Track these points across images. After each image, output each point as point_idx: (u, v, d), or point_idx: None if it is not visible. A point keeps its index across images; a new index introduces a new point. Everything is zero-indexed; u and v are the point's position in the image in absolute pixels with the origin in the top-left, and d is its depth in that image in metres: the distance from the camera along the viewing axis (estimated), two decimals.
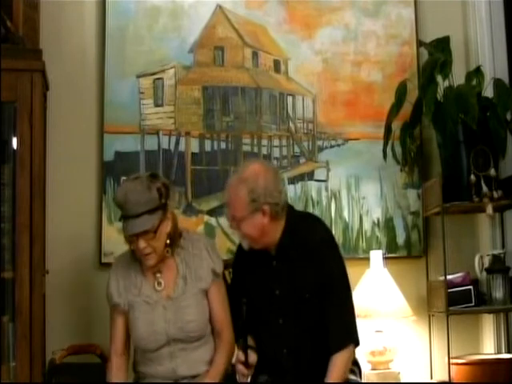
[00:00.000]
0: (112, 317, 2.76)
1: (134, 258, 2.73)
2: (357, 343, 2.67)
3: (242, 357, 2.57)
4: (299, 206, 3.36)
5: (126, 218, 2.61)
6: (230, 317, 2.76)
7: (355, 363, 2.79)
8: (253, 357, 2.60)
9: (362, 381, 2.85)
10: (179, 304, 2.68)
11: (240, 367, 2.58)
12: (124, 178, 3.32)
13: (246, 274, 2.78)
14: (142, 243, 2.60)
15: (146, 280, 2.72)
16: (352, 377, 2.72)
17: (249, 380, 2.63)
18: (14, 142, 2.79)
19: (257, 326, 2.66)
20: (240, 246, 2.90)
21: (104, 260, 3.28)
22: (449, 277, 3.16)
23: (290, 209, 2.78)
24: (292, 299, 2.66)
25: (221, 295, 2.77)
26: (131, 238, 2.63)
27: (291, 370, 2.66)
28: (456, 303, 3.14)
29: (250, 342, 2.64)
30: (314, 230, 2.74)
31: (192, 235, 2.83)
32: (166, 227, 2.66)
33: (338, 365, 2.58)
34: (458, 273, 3.24)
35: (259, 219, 2.63)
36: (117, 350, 2.73)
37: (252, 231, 2.65)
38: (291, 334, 2.67)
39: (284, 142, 3.50)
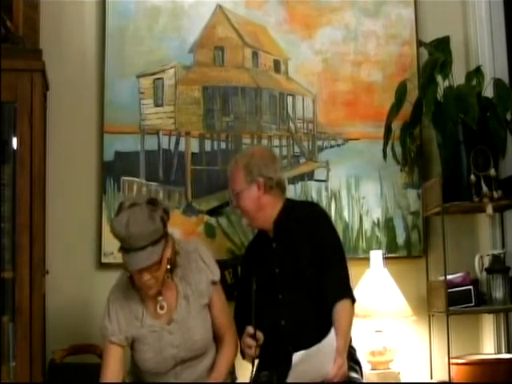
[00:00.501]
0: (107, 351, 2.60)
1: (131, 285, 2.62)
2: (353, 300, 2.76)
3: (251, 330, 2.64)
4: None
5: (127, 250, 2.45)
6: (231, 319, 2.79)
7: (356, 362, 2.82)
8: (260, 334, 2.67)
9: (363, 380, 2.85)
10: (185, 325, 2.62)
11: (248, 339, 2.65)
12: (124, 178, 3.34)
13: (251, 264, 2.89)
14: (146, 276, 2.49)
15: (146, 308, 2.63)
16: (353, 375, 2.73)
17: (256, 353, 2.66)
18: (14, 142, 2.79)
19: (258, 304, 2.68)
20: (250, 244, 3.05)
21: (104, 260, 3.28)
22: (449, 277, 3.16)
23: (288, 198, 2.97)
24: (290, 274, 2.78)
25: (221, 301, 2.75)
26: (134, 271, 2.49)
27: (290, 340, 2.71)
28: (456, 303, 3.14)
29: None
30: (309, 209, 2.94)
31: (185, 246, 2.71)
32: (167, 253, 2.55)
33: (341, 310, 2.69)
34: (457, 273, 3.23)
35: (255, 191, 2.83)
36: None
37: (249, 204, 2.83)
38: (289, 306, 2.77)
39: (284, 142, 3.50)
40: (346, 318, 2.69)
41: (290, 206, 2.90)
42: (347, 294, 2.75)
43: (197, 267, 2.67)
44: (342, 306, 2.70)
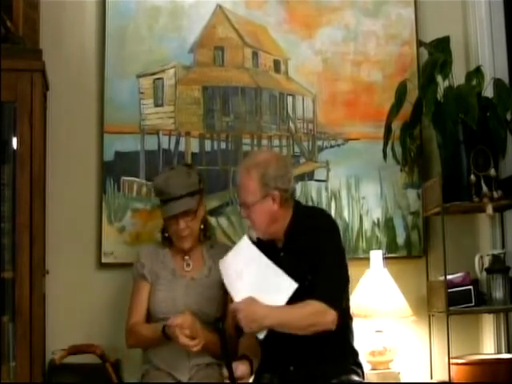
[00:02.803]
0: (136, 289, 2.92)
1: (162, 246, 2.97)
2: (335, 308, 2.55)
3: (225, 373, 2.57)
4: None
5: (166, 201, 2.84)
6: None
7: (358, 365, 2.78)
8: (241, 368, 2.59)
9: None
10: (201, 284, 2.88)
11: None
12: (124, 178, 3.34)
13: None
14: (182, 223, 2.84)
15: (172, 260, 2.93)
16: (355, 377, 2.71)
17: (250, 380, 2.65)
18: (14, 142, 2.79)
19: None
20: None
21: (104, 260, 3.28)
22: (449, 277, 3.16)
23: (296, 202, 2.83)
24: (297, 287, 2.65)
25: None
26: (171, 221, 2.86)
27: (291, 359, 2.66)
28: (456, 303, 3.13)
29: (246, 345, 2.70)
30: (317, 217, 2.78)
31: (220, 242, 3.13)
32: (202, 211, 2.93)
33: (303, 305, 2.53)
34: (457, 273, 3.23)
35: (269, 205, 2.68)
36: (138, 323, 2.85)
37: (261, 218, 2.69)
38: None
39: (284, 142, 3.50)
40: (299, 310, 2.53)
41: (301, 214, 2.76)
42: (327, 299, 2.54)
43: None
44: (309, 305, 2.53)
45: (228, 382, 2.55)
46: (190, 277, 2.90)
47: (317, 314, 2.55)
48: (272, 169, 2.68)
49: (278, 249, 2.75)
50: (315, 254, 2.64)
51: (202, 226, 2.94)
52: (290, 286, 2.58)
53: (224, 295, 2.83)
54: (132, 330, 2.83)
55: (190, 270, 2.91)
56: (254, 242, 2.76)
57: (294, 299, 2.62)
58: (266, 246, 2.77)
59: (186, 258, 2.93)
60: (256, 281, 2.62)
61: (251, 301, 2.57)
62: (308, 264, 2.64)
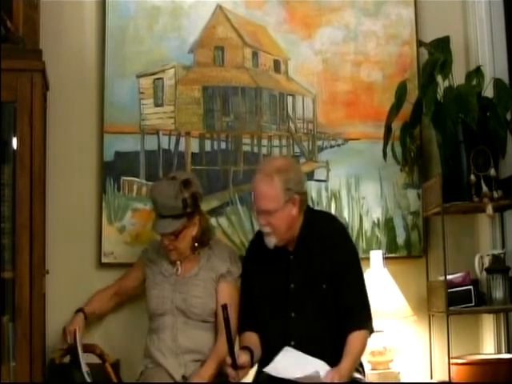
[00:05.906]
0: (133, 268, 3.11)
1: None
2: (371, 331, 2.74)
3: (228, 360, 2.59)
4: None
5: (156, 214, 2.89)
6: (238, 314, 2.84)
7: (360, 363, 2.80)
8: (243, 358, 2.61)
9: (365, 380, 2.85)
10: (189, 282, 2.92)
11: (229, 370, 2.60)
12: (124, 178, 3.34)
13: (258, 270, 2.83)
14: (165, 241, 2.89)
15: (168, 262, 2.97)
16: (357, 375, 2.72)
17: (240, 379, 2.64)
18: (14, 142, 2.79)
19: (266, 320, 2.71)
20: (252, 242, 2.98)
21: (104, 260, 3.28)
22: (449, 277, 3.16)
23: (307, 207, 2.87)
24: (307, 292, 2.69)
25: (229, 294, 2.89)
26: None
27: None
28: (456, 303, 3.13)
29: (246, 341, 2.72)
30: (328, 222, 2.86)
31: (221, 242, 3.10)
32: (192, 232, 2.91)
33: (354, 341, 2.64)
34: (457, 273, 3.23)
35: (290, 210, 2.71)
36: (112, 288, 3.10)
37: (282, 223, 2.71)
38: (301, 326, 2.69)
39: (284, 142, 3.50)
40: (357, 348, 2.65)
41: (311, 218, 2.81)
42: (365, 324, 2.70)
43: (222, 257, 2.97)
44: (355, 337, 2.65)
45: (230, 369, 2.59)
46: (182, 276, 2.95)
47: (366, 342, 2.72)
48: (293, 173, 2.73)
49: (288, 252, 2.78)
50: (336, 264, 2.71)
51: (197, 244, 2.95)
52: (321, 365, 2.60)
53: (215, 292, 2.92)
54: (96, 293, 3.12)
55: (179, 274, 2.96)
56: (270, 250, 2.77)
57: (302, 303, 2.69)
58: (276, 250, 2.78)
59: (178, 262, 2.96)
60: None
61: (335, 373, 2.54)
62: (323, 271, 2.70)
